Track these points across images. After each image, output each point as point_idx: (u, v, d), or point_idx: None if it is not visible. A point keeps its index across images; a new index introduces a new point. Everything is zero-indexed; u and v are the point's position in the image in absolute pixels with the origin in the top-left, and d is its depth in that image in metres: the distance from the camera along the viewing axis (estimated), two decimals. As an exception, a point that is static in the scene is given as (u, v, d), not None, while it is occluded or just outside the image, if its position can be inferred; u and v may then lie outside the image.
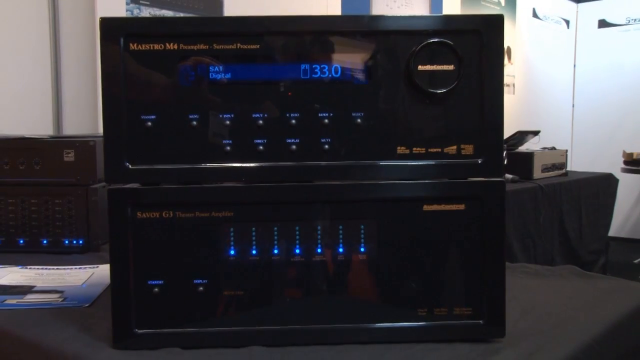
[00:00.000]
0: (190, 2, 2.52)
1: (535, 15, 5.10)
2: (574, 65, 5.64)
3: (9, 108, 2.08)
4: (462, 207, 0.73)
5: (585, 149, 5.33)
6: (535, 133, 3.27)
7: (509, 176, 2.86)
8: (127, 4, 2.31)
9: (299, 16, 0.71)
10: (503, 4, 4.64)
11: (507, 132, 0.75)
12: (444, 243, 0.73)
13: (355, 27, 0.72)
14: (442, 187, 0.73)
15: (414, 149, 0.73)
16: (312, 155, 0.72)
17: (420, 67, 0.71)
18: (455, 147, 0.73)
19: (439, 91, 0.72)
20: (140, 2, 2.36)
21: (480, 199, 0.73)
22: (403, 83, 0.72)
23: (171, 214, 0.71)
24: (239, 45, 0.71)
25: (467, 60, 0.72)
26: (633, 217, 5.21)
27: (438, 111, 0.73)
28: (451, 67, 0.72)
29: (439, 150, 0.73)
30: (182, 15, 2.40)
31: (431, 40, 0.71)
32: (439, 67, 0.72)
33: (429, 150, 0.73)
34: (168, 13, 2.43)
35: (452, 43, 0.71)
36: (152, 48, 0.71)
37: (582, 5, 5.58)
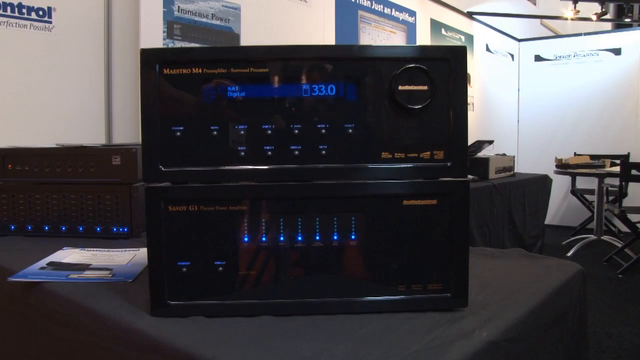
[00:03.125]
0: (214, 37, 2.51)
1: (488, 49, 5.10)
2: (518, 90, 5.69)
3: (70, 122, 2.10)
4: (434, 202, 0.70)
5: (528, 155, 5.40)
6: (490, 142, 3.25)
7: (470, 177, 2.84)
8: (164, 39, 2.31)
9: (301, 45, 0.69)
10: (463, 40, 4.63)
11: (468, 141, 0.74)
12: (419, 231, 0.71)
13: (347, 54, 0.70)
14: (419, 185, 0.71)
15: (396, 154, 0.70)
16: (311, 159, 0.70)
17: (400, 87, 0.69)
18: (429, 152, 0.71)
19: (415, 107, 0.69)
20: (174, 37, 2.35)
21: (449, 195, 0.70)
22: (386, 100, 0.70)
23: (196, 208, 0.69)
24: (251, 69, 0.68)
25: (438, 82, 0.69)
26: (562, 209, 5.33)
27: (415, 123, 0.70)
28: (425, 88, 0.69)
29: (416, 155, 0.70)
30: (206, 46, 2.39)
31: (409, 66, 0.69)
32: (416, 87, 0.69)
33: (408, 155, 0.70)
34: (195, 45, 2.41)
35: (426, 68, 0.69)
36: (181, 72, 0.68)
37: (522, 43, 5.71)
